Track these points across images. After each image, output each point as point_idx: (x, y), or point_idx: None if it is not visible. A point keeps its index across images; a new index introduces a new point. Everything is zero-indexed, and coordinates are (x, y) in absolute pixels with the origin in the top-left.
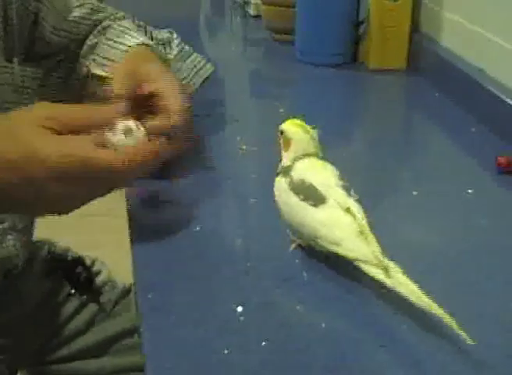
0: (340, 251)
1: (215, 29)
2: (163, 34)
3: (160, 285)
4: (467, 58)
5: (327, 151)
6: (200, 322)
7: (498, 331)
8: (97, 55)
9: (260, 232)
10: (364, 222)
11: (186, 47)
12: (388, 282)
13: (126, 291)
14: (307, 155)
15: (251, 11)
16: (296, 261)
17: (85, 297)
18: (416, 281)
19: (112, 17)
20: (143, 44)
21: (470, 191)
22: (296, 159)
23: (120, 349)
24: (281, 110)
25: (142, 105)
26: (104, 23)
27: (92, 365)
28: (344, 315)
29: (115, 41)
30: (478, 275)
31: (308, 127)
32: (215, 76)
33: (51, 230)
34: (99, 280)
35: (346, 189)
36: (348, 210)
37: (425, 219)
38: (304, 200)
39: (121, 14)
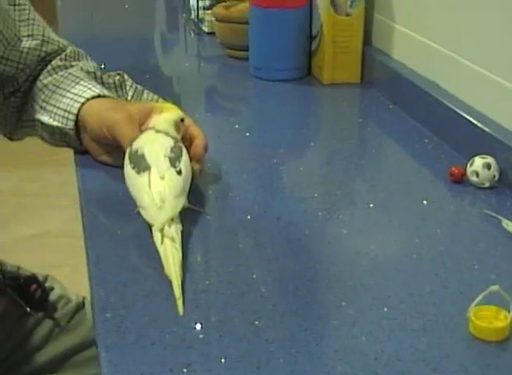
0: (144, 215)
1: (169, 46)
2: (114, 78)
3: (117, 304)
4: (419, 70)
5: (282, 165)
6: (158, 340)
7: (452, 340)
8: (47, 103)
9: (216, 248)
10: (168, 191)
11: (139, 86)
12: (159, 248)
13: (80, 305)
14: (152, 128)
15: (205, 28)
16: (254, 276)
17: (41, 314)
18: (372, 291)
19: (63, 55)
20: (99, 96)
21: (424, 201)
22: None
23: (76, 363)
24: (236, 126)
25: None
26: (55, 63)
27: None
28: (303, 329)
29: (68, 91)
30: (433, 284)
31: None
32: (170, 93)
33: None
34: (53, 296)
35: (172, 160)
36: (163, 178)
37: (382, 230)
38: (133, 168)
39: (70, 49)
